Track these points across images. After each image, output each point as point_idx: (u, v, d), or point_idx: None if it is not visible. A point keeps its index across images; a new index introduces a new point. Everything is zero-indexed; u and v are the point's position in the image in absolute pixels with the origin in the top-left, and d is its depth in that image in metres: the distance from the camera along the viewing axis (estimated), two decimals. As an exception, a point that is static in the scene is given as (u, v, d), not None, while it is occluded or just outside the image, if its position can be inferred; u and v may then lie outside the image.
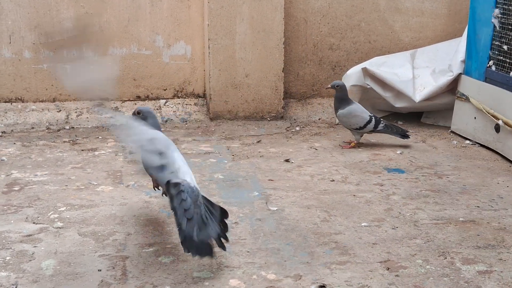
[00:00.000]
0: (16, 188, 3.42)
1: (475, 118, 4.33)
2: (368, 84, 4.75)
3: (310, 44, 5.14)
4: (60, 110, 4.82)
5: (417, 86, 4.67)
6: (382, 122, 4.25)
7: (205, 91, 5.10)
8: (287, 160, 3.97)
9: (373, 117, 4.22)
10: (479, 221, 3.06)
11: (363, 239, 2.85)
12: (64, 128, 4.65)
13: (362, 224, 3.01)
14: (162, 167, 2.68)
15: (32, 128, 4.64)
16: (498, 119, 4.03)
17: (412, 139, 4.47)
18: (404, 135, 4.30)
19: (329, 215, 3.11)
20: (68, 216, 3.06)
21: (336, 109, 4.26)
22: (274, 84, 4.92)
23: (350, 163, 3.95)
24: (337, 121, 4.68)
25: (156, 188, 2.96)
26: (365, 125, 4.20)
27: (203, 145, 4.29)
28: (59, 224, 2.97)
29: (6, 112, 4.73)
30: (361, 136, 4.29)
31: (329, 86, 4.24)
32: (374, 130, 4.24)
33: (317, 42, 5.14)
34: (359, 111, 4.22)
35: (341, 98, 4.23)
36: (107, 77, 3.29)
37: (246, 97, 4.91)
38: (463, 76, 4.50)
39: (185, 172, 2.68)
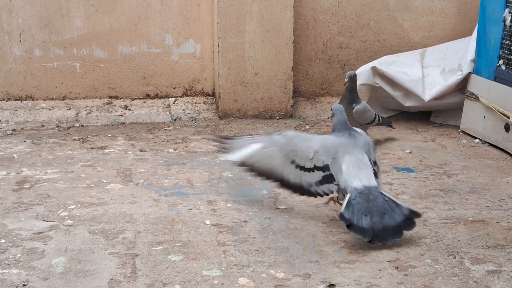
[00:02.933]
0: (26, 186, 3.44)
1: (484, 117, 4.32)
2: (377, 83, 4.74)
3: (320, 43, 5.14)
4: (70, 108, 4.84)
5: (427, 85, 4.66)
6: (378, 115, 4.27)
7: (214, 89, 5.11)
8: None
9: (375, 112, 4.23)
10: (488, 221, 3.06)
11: (372, 238, 2.85)
12: (74, 126, 4.67)
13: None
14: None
15: (42, 126, 4.66)
16: (508, 117, 4.02)
17: (421, 137, 4.48)
18: (390, 125, 4.46)
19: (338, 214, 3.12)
20: (78, 214, 3.07)
21: (350, 103, 4.09)
22: (283, 82, 4.93)
23: (359, 162, 3.95)
24: None
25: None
26: (372, 121, 4.19)
27: (213, 143, 4.29)
28: (69, 222, 2.98)
29: (16, 110, 4.76)
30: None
31: (347, 79, 4.06)
32: (378, 123, 4.24)
33: (326, 41, 5.14)
34: (369, 106, 4.22)
35: (355, 89, 4.13)
36: None
37: (255, 95, 4.92)
38: (472, 75, 4.49)
39: (351, 178, 2.88)
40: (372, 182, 2.86)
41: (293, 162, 3.00)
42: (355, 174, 2.88)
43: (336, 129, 3.06)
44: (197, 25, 4.99)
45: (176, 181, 3.56)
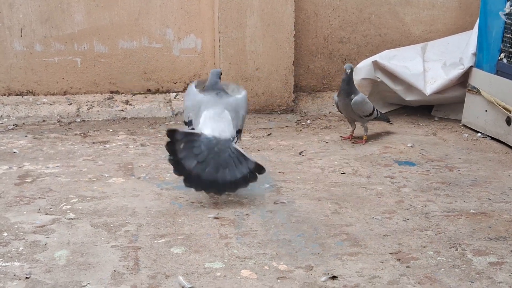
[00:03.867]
0: (28, 180, 3.44)
1: (486, 111, 4.32)
2: (378, 77, 4.74)
3: (321, 38, 5.14)
4: (71, 103, 4.84)
5: (428, 79, 4.65)
6: (377, 110, 4.30)
7: (215, 84, 5.10)
8: (300, 153, 3.97)
9: (373, 106, 4.24)
10: (490, 213, 3.06)
11: (374, 230, 2.86)
12: (75, 121, 4.67)
13: (373, 216, 3.01)
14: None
15: (44, 121, 4.66)
16: (509, 111, 4.02)
17: (422, 132, 4.48)
18: (389, 121, 4.48)
19: (340, 207, 3.12)
20: (80, 208, 3.08)
21: (348, 95, 4.12)
22: (284, 77, 4.92)
23: (360, 156, 3.95)
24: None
25: None
26: (371, 113, 4.21)
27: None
28: (72, 215, 2.99)
29: (17, 105, 4.75)
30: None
31: (348, 70, 4.08)
32: (376, 117, 4.26)
33: (327, 35, 5.14)
34: (367, 99, 4.24)
35: (352, 81, 4.16)
36: None
37: (257, 90, 4.91)
38: (474, 69, 4.49)
39: (203, 127, 3.13)
40: (224, 135, 3.10)
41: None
42: (209, 125, 3.13)
43: (207, 89, 3.36)
44: (197, 20, 4.98)
45: (178, 175, 3.57)
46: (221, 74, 3.46)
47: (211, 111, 3.20)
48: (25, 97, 4.84)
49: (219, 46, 4.81)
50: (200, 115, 3.20)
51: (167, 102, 4.97)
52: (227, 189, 3.09)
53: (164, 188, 3.36)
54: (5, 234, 2.78)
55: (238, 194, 3.26)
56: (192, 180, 3.02)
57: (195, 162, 3.02)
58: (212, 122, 3.15)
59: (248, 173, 3.05)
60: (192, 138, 3.07)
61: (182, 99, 5.01)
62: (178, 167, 3.04)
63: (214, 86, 3.35)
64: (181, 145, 3.04)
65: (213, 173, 3.02)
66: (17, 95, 4.83)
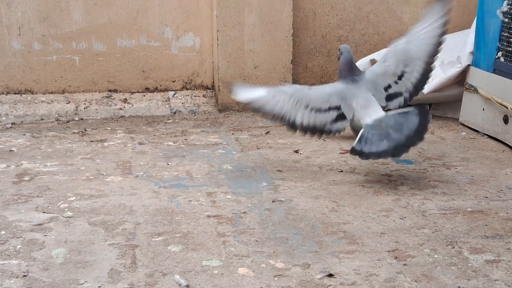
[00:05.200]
0: (26, 178, 3.45)
1: (483, 109, 4.33)
2: (376, 76, 4.74)
3: (319, 36, 5.14)
4: (69, 101, 4.85)
5: (426, 78, 4.65)
6: None
7: (213, 82, 5.11)
8: (296, 151, 3.98)
9: None
10: (487, 211, 3.06)
11: (372, 228, 2.86)
12: (73, 120, 4.67)
13: (370, 214, 3.02)
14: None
15: (42, 119, 4.66)
16: (506, 107, 4.02)
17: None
18: None
19: (338, 205, 3.13)
20: (77, 206, 3.08)
21: None
22: (282, 76, 4.93)
23: (358, 154, 3.96)
24: None
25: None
26: None
27: (212, 136, 4.31)
28: (69, 213, 2.99)
29: (15, 104, 4.76)
30: None
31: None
32: None
33: (325, 34, 5.14)
34: None
35: None
36: None
37: (255, 88, 4.91)
38: (471, 67, 4.49)
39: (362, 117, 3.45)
40: (380, 113, 3.41)
41: (307, 106, 3.43)
42: (364, 113, 3.42)
43: (342, 71, 3.57)
44: (196, 18, 4.99)
45: (176, 173, 3.57)
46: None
47: (360, 99, 3.47)
48: (23, 95, 4.84)
49: (218, 44, 4.82)
50: (350, 103, 3.46)
51: (166, 101, 4.98)
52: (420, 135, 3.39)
53: (162, 186, 3.36)
54: (3, 232, 2.78)
55: (235, 192, 3.28)
56: (389, 153, 3.35)
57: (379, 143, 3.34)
58: (366, 109, 3.44)
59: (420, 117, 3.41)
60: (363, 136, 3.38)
61: (180, 97, 5.02)
62: (370, 155, 3.35)
63: (350, 65, 3.60)
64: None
65: (401, 134, 3.33)
66: (15, 93, 4.84)
